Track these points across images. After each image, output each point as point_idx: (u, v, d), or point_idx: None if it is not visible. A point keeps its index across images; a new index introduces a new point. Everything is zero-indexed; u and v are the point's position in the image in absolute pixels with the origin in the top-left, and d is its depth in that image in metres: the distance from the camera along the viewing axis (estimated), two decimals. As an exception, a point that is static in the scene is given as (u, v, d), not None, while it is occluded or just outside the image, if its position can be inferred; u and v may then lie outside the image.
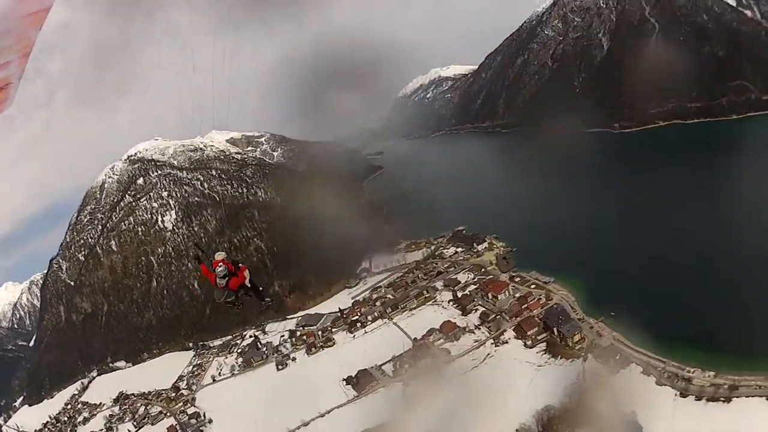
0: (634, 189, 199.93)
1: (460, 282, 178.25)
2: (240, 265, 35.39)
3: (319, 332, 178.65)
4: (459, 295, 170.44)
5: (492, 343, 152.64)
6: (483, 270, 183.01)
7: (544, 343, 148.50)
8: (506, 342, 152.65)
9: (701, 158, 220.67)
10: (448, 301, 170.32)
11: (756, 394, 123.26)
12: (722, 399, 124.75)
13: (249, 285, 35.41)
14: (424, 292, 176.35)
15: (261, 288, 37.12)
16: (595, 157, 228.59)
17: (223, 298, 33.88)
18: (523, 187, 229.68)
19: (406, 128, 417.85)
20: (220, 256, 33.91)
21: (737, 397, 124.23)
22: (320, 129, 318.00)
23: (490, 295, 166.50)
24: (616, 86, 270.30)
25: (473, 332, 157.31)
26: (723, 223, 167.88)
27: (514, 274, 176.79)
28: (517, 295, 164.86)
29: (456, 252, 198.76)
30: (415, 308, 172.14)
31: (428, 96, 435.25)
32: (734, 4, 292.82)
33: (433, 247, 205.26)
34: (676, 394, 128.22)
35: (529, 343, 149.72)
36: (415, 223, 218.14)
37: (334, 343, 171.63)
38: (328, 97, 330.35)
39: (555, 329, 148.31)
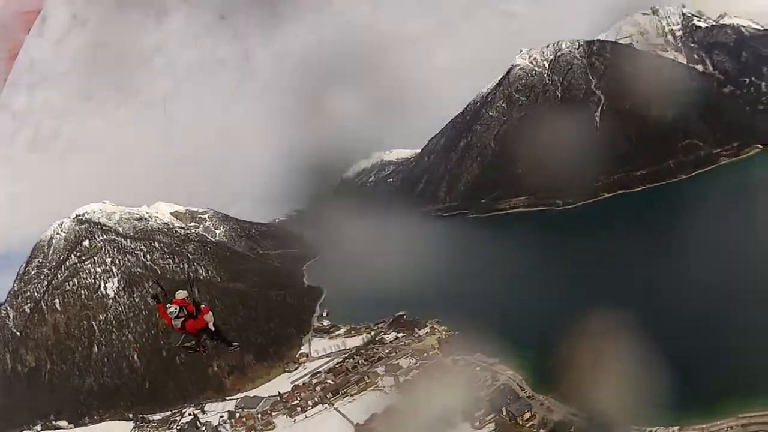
0: (574, 265, 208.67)
1: (402, 367, 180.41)
2: (202, 306, 35.32)
3: (259, 415, 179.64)
4: (401, 380, 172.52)
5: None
6: (425, 355, 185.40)
7: (493, 424, 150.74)
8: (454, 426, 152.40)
9: (641, 227, 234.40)
10: (390, 387, 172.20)
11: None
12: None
13: (213, 329, 35.50)
14: (365, 377, 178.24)
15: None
16: (536, 235, 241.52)
17: (179, 342, 34.06)
18: (464, 270, 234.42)
19: (348, 211, 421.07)
20: (180, 295, 34.12)
21: None
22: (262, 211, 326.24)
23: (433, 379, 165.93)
24: (559, 164, 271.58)
25: None
26: (662, 290, 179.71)
27: (457, 357, 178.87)
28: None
29: (397, 337, 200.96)
30: (356, 393, 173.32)
31: (371, 180, 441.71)
32: (685, 62, 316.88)
33: (373, 333, 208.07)
34: None
35: (477, 424, 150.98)
36: (355, 308, 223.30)
37: (274, 427, 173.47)
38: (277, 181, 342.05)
39: (504, 409, 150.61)
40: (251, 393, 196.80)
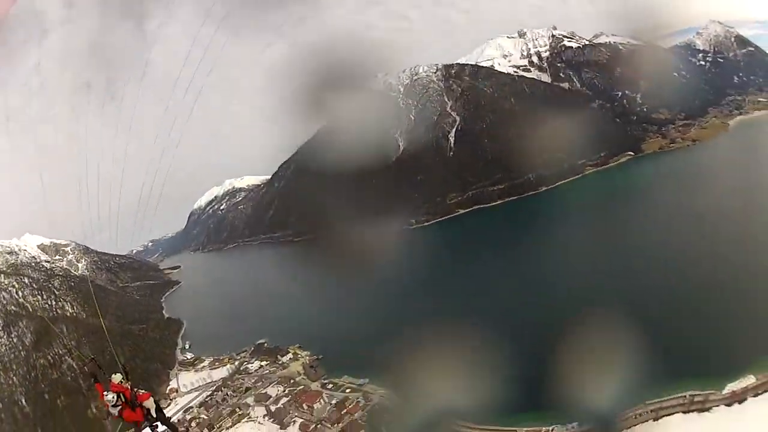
0: (428, 282, 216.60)
1: (271, 396, 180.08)
2: (140, 392, 36.41)
3: None
4: (272, 409, 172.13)
5: None
6: (292, 381, 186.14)
7: None
8: None
9: (494, 241, 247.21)
10: (263, 416, 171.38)
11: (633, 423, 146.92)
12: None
13: (154, 415, 36.46)
14: (237, 409, 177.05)
15: (170, 418, 38.37)
16: (389, 255, 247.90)
17: (117, 430, 33.51)
18: (319, 295, 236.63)
19: (202, 241, 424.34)
20: (116, 378, 35.12)
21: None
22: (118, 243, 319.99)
23: (305, 405, 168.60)
24: (412, 183, 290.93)
25: None
26: (517, 303, 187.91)
27: (325, 381, 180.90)
28: (334, 401, 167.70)
29: (261, 366, 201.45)
30: (231, 427, 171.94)
31: (222, 207, 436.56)
32: (549, 81, 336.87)
33: (237, 363, 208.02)
34: None
35: None
36: (216, 338, 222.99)
37: None
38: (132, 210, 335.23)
39: (383, 429, 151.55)
40: None
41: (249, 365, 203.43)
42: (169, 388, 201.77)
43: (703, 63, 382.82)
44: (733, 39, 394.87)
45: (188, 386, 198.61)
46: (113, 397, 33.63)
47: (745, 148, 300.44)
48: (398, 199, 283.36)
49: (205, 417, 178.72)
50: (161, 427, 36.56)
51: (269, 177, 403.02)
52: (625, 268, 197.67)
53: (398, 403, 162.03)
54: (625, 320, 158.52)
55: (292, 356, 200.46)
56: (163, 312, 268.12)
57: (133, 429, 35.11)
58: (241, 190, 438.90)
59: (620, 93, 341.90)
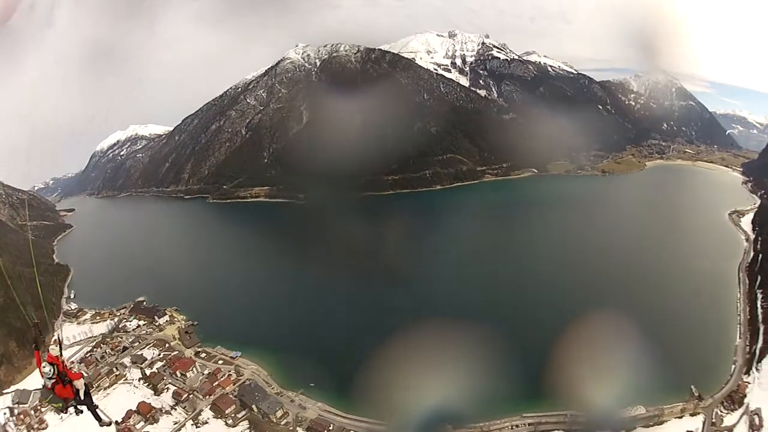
0: (311, 257, 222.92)
1: (146, 358, 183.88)
2: (73, 371, 38.23)
3: (32, 411, 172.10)
4: (147, 372, 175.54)
5: (192, 425, 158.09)
6: (167, 345, 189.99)
7: (247, 421, 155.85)
8: (206, 422, 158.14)
9: (378, 226, 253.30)
10: (139, 380, 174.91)
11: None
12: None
13: (81, 397, 38.43)
14: (114, 369, 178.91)
15: (97, 406, 39.85)
16: (275, 226, 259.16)
17: (47, 400, 35.46)
18: (203, 258, 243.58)
19: (98, 186, 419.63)
20: (53, 351, 37.10)
21: None
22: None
23: (178, 372, 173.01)
24: (307, 158, 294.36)
25: (170, 413, 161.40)
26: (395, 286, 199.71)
27: (198, 349, 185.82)
28: (206, 371, 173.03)
29: (138, 326, 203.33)
30: (108, 387, 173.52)
31: (122, 153, 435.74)
32: (467, 85, 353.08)
33: (116, 319, 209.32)
34: None
35: (230, 422, 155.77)
36: (99, 290, 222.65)
37: (47, 426, 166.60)
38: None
39: (254, 406, 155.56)
40: (21, 386, 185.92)
41: (127, 323, 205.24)
42: (53, 339, 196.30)
43: (633, 103, 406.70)
44: (673, 90, 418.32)
45: (71, 339, 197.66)
46: (50, 369, 36.20)
47: (652, 187, 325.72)
48: (290, 172, 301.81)
49: (86, 374, 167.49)
50: (87, 413, 39.37)
51: (171, 129, 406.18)
52: (505, 275, 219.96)
53: (269, 381, 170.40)
54: (511, 326, 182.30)
55: (168, 318, 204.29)
56: (54, 257, 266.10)
57: (61, 404, 36.95)
58: (143, 137, 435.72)
59: (538, 111, 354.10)
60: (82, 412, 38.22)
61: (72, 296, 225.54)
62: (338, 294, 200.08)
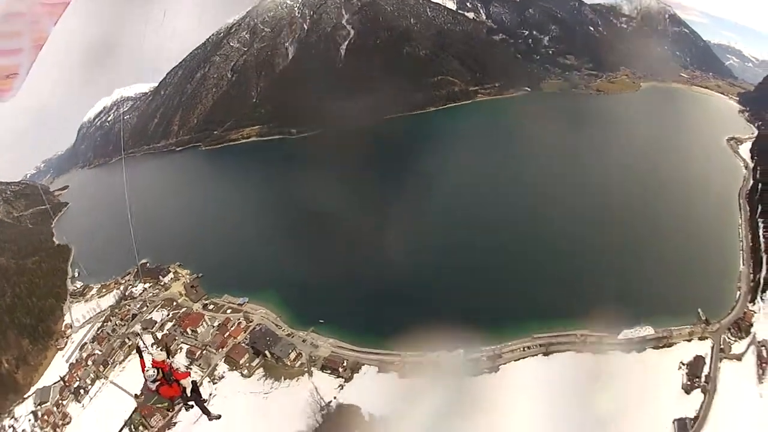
0: (305, 195, 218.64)
1: (156, 322, 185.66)
2: (180, 370, 39.27)
3: (55, 408, 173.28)
4: (159, 336, 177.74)
5: (209, 381, 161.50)
6: (175, 303, 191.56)
7: (261, 369, 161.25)
8: (222, 377, 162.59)
9: (374, 155, 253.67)
10: (152, 345, 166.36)
11: (522, 356, 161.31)
12: (487, 370, 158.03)
13: (189, 395, 39.21)
14: (126, 340, 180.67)
15: (205, 400, 41.26)
16: (269, 166, 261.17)
17: (151, 402, 39.20)
18: (200, 208, 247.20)
19: (89, 156, 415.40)
20: (159, 357, 37.95)
21: (504, 364, 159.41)
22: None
23: (188, 330, 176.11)
24: (296, 92, 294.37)
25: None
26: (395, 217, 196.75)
27: (206, 302, 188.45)
28: (216, 323, 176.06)
29: (145, 289, 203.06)
30: (124, 360, 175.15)
31: (109, 119, 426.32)
32: (454, 8, 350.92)
33: (122, 288, 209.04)
34: (430, 380, 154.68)
35: (245, 372, 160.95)
36: (103, 261, 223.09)
37: (71, 420, 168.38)
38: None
39: (267, 352, 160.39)
40: (40, 384, 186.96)
41: (134, 289, 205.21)
42: (64, 324, 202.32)
43: (624, 26, 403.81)
44: (666, 16, 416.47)
45: (80, 320, 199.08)
46: (154, 373, 37.12)
47: (650, 107, 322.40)
48: (280, 108, 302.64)
49: (99, 352, 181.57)
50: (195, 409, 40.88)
51: (156, 84, 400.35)
52: (510, 196, 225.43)
53: (279, 324, 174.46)
54: (518, 250, 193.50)
55: (173, 276, 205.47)
56: (54, 239, 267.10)
57: (167, 404, 38.76)
58: (128, 99, 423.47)
59: (527, 32, 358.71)
60: (191, 407, 40.50)
61: (76, 275, 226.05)
62: (337, 228, 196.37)
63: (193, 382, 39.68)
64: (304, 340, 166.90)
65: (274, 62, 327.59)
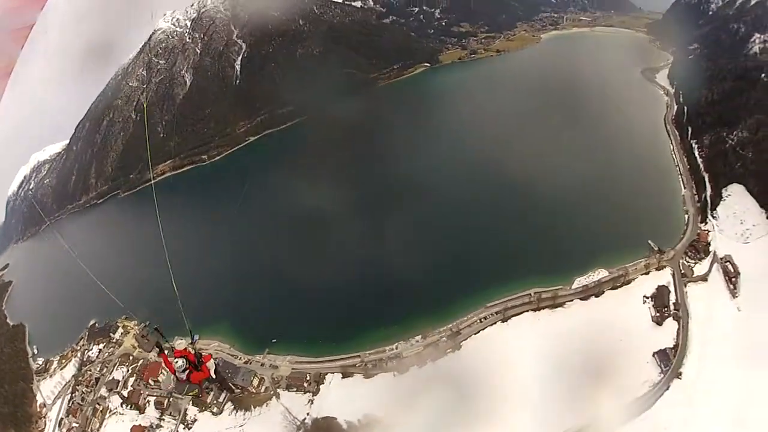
0: (233, 218, 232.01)
1: (119, 380, 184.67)
2: (203, 355, 41.25)
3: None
4: (126, 395, 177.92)
5: (184, 428, 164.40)
6: (131, 358, 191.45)
7: (229, 402, 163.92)
8: (195, 419, 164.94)
9: (284, 165, 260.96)
10: (121, 405, 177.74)
11: (481, 328, 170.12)
12: (450, 350, 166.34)
13: (214, 376, 41.59)
14: (96, 405, 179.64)
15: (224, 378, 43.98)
16: (186, 197, 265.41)
17: (185, 392, 41.67)
18: (129, 256, 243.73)
19: (20, 229, 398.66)
20: (180, 345, 40.22)
21: (464, 340, 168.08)
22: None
23: (150, 380, 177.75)
24: (200, 119, 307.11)
25: (161, 425, 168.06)
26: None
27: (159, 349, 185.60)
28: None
29: (100, 350, 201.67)
30: (100, 427, 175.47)
31: (32, 187, 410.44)
32: (341, 1, 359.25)
33: (79, 354, 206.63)
34: (394, 374, 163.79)
35: (215, 410, 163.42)
36: (57, 332, 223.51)
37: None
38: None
39: (230, 384, 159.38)
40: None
41: (90, 353, 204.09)
42: (38, 405, 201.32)
43: None
44: None
45: (51, 396, 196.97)
46: (183, 363, 40.16)
47: (552, 57, 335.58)
48: (186, 137, 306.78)
49: (76, 425, 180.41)
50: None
51: (68, 141, 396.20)
52: (435, 171, 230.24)
53: (234, 353, 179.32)
54: (452, 224, 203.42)
55: (122, 330, 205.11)
56: (8, 321, 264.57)
57: (197, 390, 42.42)
58: (45, 162, 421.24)
59: (417, 9, 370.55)
60: (219, 386, 44.06)
61: (36, 352, 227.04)
62: (261, 243, 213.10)
63: (216, 363, 43.30)
64: (262, 364, 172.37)
65: (173, 93, 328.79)
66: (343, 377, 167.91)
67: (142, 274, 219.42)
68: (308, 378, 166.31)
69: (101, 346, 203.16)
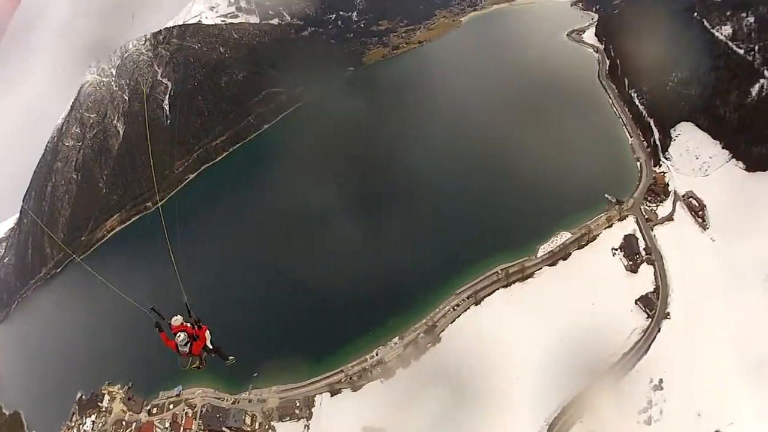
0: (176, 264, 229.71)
1: None
2: (200, 324, 41.25)
3: None
4: None
5: None
6: (124, 423, 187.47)
7: None
8: None
9: (228, 194, 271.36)
10: None
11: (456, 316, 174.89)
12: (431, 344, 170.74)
13: (210, 345, 41.37)
14: None
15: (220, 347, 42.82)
16: (138, 252, 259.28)
17: (188, 366, 40.21)
18: (94, 321, 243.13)
19: None
20: (177, 321, 39.73)
21: (442, 331, 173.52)
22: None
23: None
24: (137, 167, 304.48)
25: None
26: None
27: (148, 408, 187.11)
28: (167, 424, 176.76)
29: (93, 422, 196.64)
30: None
31: None
32: (258, 21, 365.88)
33: (75, 430, 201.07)
34: (382, 380, 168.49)
35: None
36: (51, 413, 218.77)
37: None
38: None
39: (224, 428, 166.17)
40: None
41: (85, 427, 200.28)
42: None
43: None
44: None
45: None
46: (185, 337, 39.37)
47: (475, 36, 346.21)
48: (128, 188, 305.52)
49: None
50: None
51: (18, 215, 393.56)
52: (375, 176, 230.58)
53: (220, 396, 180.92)
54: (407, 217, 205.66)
55: (108, 397, 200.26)
56: (3, 411, 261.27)
57: (197, 361, 40.66)
58: (1, 241, 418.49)
59: (333, 15, 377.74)
60: (212, 355, 43.16)
61: None
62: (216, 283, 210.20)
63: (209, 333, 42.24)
64: (250, 400, 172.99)
65: (109, 145, 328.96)
66: (332, 395, 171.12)
67: (107, 339, 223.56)
68: (298, 404, 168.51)
69: (93, 417, 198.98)
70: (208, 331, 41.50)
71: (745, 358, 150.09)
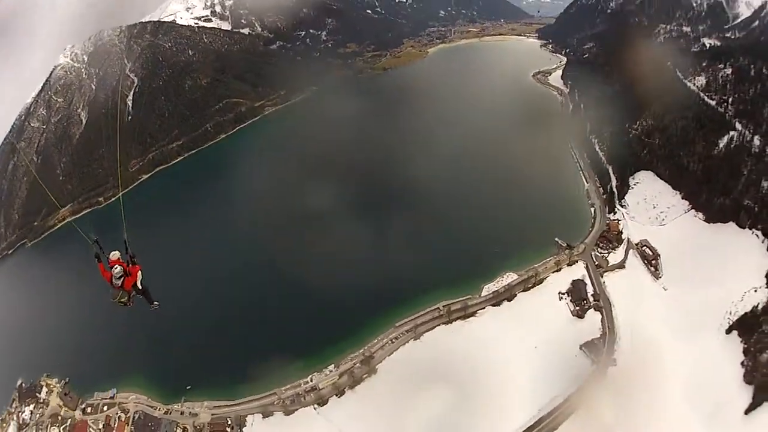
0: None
1: None
2: (135, 262, 42.63)
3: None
4: None
5: None
6: (60, 417, 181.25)
7: None
8: None
9: (179, 198, 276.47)
10: None
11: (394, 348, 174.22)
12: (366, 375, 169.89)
13: (141, 287, 42.65)
14: None
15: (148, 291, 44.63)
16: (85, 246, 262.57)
17: (117, 298, 40.81)
18: (37, 311, 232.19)
19: None
20: (114, 255, 40.84)
21: (379, 363, 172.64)
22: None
23: None
24: (94, 160, 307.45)
25: None
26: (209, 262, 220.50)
27: (83, 406, 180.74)
28: (101, 425, 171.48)
29: (31, 412, 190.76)
30: None
31: None
32: (229, 28, 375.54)
33: (14, 416, 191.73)
34: (315, 407, 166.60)
35: None
36: None
37: None
38: None
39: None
40: None
41: (24, 416, 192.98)
42: None
43: (403, 0, 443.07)
44: None
45: None
46: (120, 270, 40.77)
47: (440, 70, 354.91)
48: (83, 180, 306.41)
49: None
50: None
51: None
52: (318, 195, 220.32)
53: (152, 404, 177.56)
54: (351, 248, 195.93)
55: (46, 389, 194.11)
56: None
57: (126, 297, 42.12)
58: None
59: (303, 32, 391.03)
60: (141, 296, 45.12)
61: None
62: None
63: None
64: (182, 413, 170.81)
65: (71, 133, 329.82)
66: (264, 417, 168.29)
67: (58, 326, 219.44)
68: (229, 422, 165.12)
69: (32, 407, 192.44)
70: (140, 272, 43.73)
71: (699, 405, 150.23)
